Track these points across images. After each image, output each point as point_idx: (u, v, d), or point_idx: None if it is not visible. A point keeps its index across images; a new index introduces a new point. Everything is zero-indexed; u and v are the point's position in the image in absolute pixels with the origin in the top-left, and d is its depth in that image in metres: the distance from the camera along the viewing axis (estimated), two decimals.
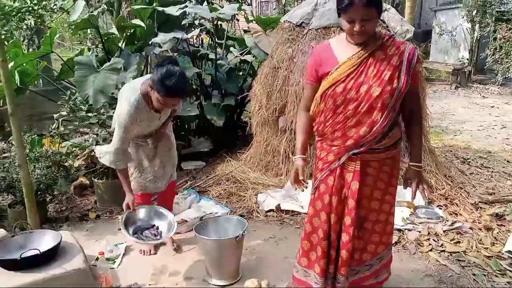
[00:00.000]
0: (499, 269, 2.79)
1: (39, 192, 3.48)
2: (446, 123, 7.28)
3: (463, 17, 11.44)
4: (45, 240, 2.54)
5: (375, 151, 2.00)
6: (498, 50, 10.36)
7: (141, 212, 2.77)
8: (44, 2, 5.48)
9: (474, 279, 2.68)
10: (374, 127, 1.92)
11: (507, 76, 10.27)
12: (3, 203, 3.78)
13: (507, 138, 6.13)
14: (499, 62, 10.35)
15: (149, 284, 2.61)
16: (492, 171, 4.62)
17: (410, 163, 2.09)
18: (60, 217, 3.69)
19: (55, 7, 5.51)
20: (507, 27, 10.30)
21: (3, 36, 3.14)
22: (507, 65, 10.06)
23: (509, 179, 4.39)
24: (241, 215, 3.40)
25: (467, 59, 12.07)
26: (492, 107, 8.70)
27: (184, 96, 2.60)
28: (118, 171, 2.72)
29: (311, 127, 2.17)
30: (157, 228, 2.71)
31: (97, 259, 2.84)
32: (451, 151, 5.32)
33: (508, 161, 4.99)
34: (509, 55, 10.10)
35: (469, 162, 4.89)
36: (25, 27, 5.64)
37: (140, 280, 2.64)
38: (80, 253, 2.57)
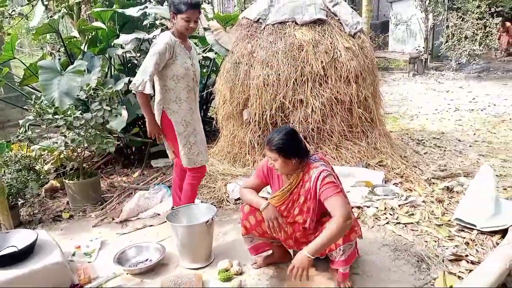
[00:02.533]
0: (448, 235, 3.07)
1: (10, 197, 3.53)
2: (404, 109, 7.63)
3: (416, 7, 11.90)
4: (21, 239, 2.63)
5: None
6: (450, 38, 10.87)
7: (132, 251, 2.93)
8: (1, 9, 5.48)
9: (426, 245, 2.94)
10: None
11: (460, 61, 10.80)
12: None
13: (459, 119, 6.52)
14: (452, 49, 10.86)
15: (126, 273, 2.73)
16: (445, 150, 4.95)
17: (305, 248, 2.24)
18: (33, 219, 3.75)
19: (13, 13, 5.52)
20: (457, 15, 10.81)
21: None
22: (460, 51, 10.57)
23: (460, 156, 4.74)
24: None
25: (423, 47, 12.57)
26: (447, 91, 9.14)
27: (200, 10, 2.95)
28: (141, 96, 2.89)
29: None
30: (150, 260, 2.86)
31: (74, 254, 2.95)
32: (407, 134, 5.65)
33: (459, 140, 5.35)
34: (461, 41, 10.62)
35: (424, 143, 5.22)
36: None
37: (118, 271, 2.76)
38: (57, 249, 2.68)
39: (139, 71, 2.88)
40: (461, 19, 10.71)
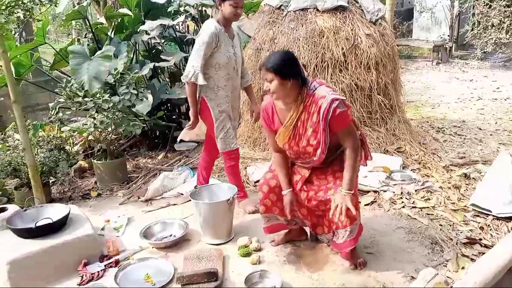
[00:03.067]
0: (464, 220, 3.13)
1: (42, 175, 3.73)
2: (426, 97, 7.58)
3: None
4: (55, 212, 2.82)
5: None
6: (476, 26, 10.66)
7: (157, 227, 3.11)
8: None
9: (440, 229, 3.01)
10: (316, 162, 2.47)
11: (485, 50, 10.59)
12: (10, 186, 4.03)
13: (482, 108, 6.46)
14: (477, 37, 10.66)
15: (152, 247, 2.90)
16: (465, 138, 4.96)
17: (341, 188, 2.37)
18: (64, 197, 3.96)
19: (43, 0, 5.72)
20: (484, 3, 10.57)
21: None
22: (485, 40, 10.37)
23: (480, 144, 4.74)
24: None
25: (448, 36, 12.35)
26: (471, 80, 9.01)
27: None
28: (191, 86, 3.06)
29: (287, 161, 2.63)
30: (174, 235, 3.02)
31: (103, 228, 3.13)
32: (427, 122, 5.65)
33: (480, 129, 5.33)
34: (487, 29, 10.41)
35: (444, 131, 5.22)
36: (15, 20, 5.85)
37: (144, 244, 2.93)
38: (88, 222, 2.86)
39: (189, 62, 3.02)
40: (488, 6, 10.48)
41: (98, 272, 2.62)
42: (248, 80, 3.45)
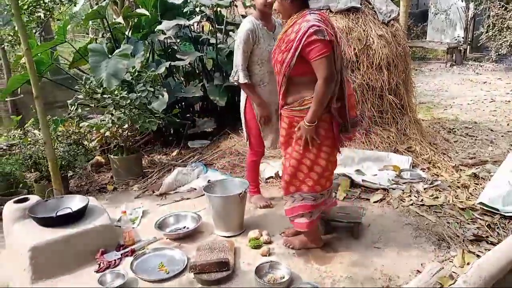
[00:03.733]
0: (471, 218, 3.18)
1: (61, 169, 3.87)
2: (438, 99, 7.58)
3: None
4: (74, 202, 2.96)
5: (286, 109, 2.59)
6: (491, 28, 10.59)
7: (171, 219, 3.23)
8: None
9: (448, 226, 3.07)
10: (279, 90, 2.60)
11: (500, 52, 10.52)
12: (30, 179, 4.18)
13: (494, 110, 6.45)
14: (492, 39, 10.59)
15: (166, 238, 3.01)
16: (476, 139, 4.98)
17: (302, 121, 2.46)
18: (81, 190, 4.10)
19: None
20: (499, 4, 10.51)
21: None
22: (500, 42, 10.30)
23: (491, 146, 4.76)
24: None
25: (463, 38, 12.29)
26: (484, 82, 8.98)
27: None
28: (243, 86, 3.10)
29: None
30: (187, 227, 3.13)
31: (119, 220, 3.25)
32: (439, 123, 5.67)
33: (491, 130, 5.35)
34: (502, 32, 10.34)
35: (455, 131, 5.25)
36: (36, 19, 6.04)
37: (158, 235, 3.04)
38: (105, 213, 2.99)
39: (233, 63, 3.09)
40: (503, 8, 10.41)
41: (115, 260, 2.74)
42: None
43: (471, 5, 11.68)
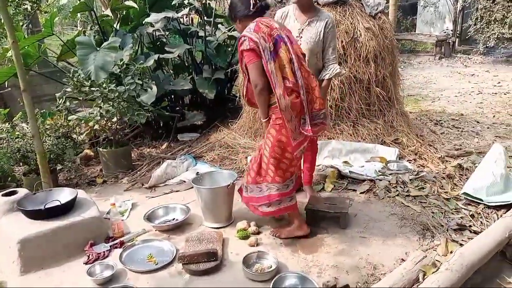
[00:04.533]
0: (455, 208, 3.25)
1: (50, 162, 3.87)
2: (426, 92, 7.67)
3: None
4: (63, 195, 2.97)
5: None
6: (479, 20, 10.69)
7: (160, 211, 3.26)
8: None
9: (432, 216, 3.13)
10: None
11: (488, 45, 10.64)
12: (18, 173, 4.17)
13: (481, 102, 6.55)
14: (480, 32, 10.70)
15: (155, 230, 3.04)
16: (462, 131, 5.06)
17: None
18: (70, 184, 4.09)
19: None
20: None
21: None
22: (488, 35, 10.41)
23: (476, 137, 4.84)
24: None
25: (451, 30, 12.39)
26: (472, 75, 9.08)
27: None
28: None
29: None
30: (176, 219, 3.16)
31: (108, 212, 3.27)
32: (426, 115, 5.75)
33: (478, 122, 5.43)
34: (490, 24, 10.44)
35: (442, 123, 5.33)
36: (22, 12, 5.98)
37: (147, 227, 3.07)
38: (94, 205, 3.00)
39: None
40: (491, 1, 10.51)
41: (104, 252, 2.76)
42: (325, 74, 3.07)
43: None
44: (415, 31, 13.70)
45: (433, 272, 2.38)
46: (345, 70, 3.03)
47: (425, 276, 2.37)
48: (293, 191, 2.79)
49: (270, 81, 2.52)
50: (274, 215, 2.91)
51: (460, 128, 5.18)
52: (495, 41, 10.32)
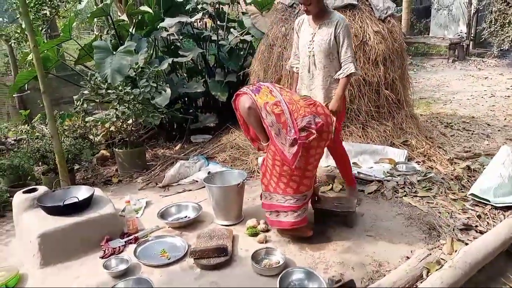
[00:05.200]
0: (462, 208, 3.29)
1: (68, 162, 4.01)
2: (438, 95, 7.68)
3: None
4: (81, 193, 3.10)
5: None
6: (493, 23, 10.64)
7: (173, 209, 3.38)
8: None
9: (439, 216, 3.18)
10: None
11: (502, 48, 10.57)
12: (37, 172, 4.33)
13: (493, 105, 6.54)
14: (494, 35, 10.64)
15: (168, 226, 3.15)
16: (472, 133, 5.08)
17: None
18: (87, 183, 4.23)
19: None
20: (502, 0, 10.55)
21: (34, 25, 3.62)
22: (502, 37, 10.35)
23: (487, 140, 4.86)
24: None
25: (465, 33, 12.33)
26: (486, 78, 9.05)
27: None
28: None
29: None
30: (189, 217, 3.27)
31: (123, 210, 3.39)
32: (437, 117, 5.78)
33: (488, 124, 5.44)
34: (504, 27, 10.38)
35: (452, 126, 5.35)
36: (42, 17, 6.19)
37: (161, 224, 3.18)
38: (110, 203, 3.13)
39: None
40: (506, 3, 10.45)
41: (119, 247, 2.88)
42: (339, 73, 3.13)
43: (474, 0, 11.71)
44: (429, 34, 13.67)
45: (436, 270, 2.44)
46: (360, 71, 3.06)
47: (429, 273, 2.43)
48: (301, 207, 2.83)
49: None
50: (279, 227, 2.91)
51: (471, 130, 5.19)
52: (510, 43, 10.25)
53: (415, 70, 10.40)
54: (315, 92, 3.23)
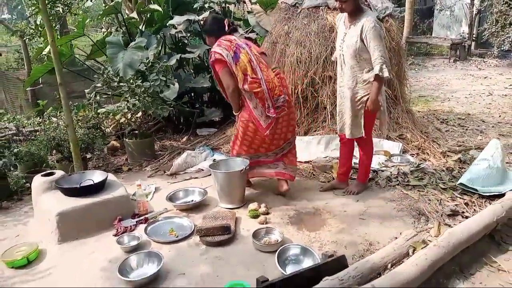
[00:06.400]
0: (451, 197, 3.50)
1: (80, 151, 4.26)
2: (438, 93, 7.87)
3: None
4: (95, 176, 3.34)
5: None
6: (494, 24, 10.81)
7: (181, 194, 3.63)
8: None
9: (428, 203, 3.39)
10: None
11: (502, 48, 10.74)
12: (51, 160, 4.59)
13: (489, 103, 6.74)
14: (495, 36, 10.81)
15: (176, 209, 3.39)
16: (467, 129, 5.29)
17: None
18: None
19: None
20: (503, 1, 10.71)
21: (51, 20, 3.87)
22: (502, 38, 10.52)
23: (480, 135, 5.07)
24: None
25: (467, 34, 12.50)
26: (485, 77, 9.23)
27: None
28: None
29: None
30: (195, 200, 3.52)
31: (134, 194, 3.64)
32: (434, 114, 5.99)
33: (483, 121, 5.64)
34: (505, 28, 10.55)
35: (447, 122, 5.56)
36: (55, 14, 6.45)
37: (169, 207, 3.42)
38: (122, 186, 3.37)
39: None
40: (507, 5, 10.61)
41: (130, 226, 3.12)
42: (370, 76, 3.18)
43: (476, 1, 11.88)
44: (431, 35, 13.84)
45: (422, 248, 2.66)
46: (389, 74, 3.07)
47: (415, 251, 2.65)
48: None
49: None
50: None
51: (465, 126, 5.40)
52: (510, 44, 10.42)
53: (416, 69, 10.59)
54: (343, 90, 3.37)
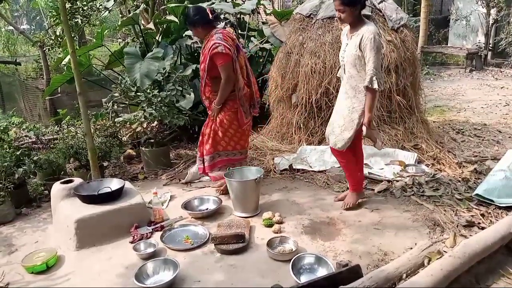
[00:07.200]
0: (467, 207, 3.47)
1: (98, 159, 4.34)
2: (453, 103, 7.80)
3: (477, 2, 11.77)
4: (113, 184, 3.41)
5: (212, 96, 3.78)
6: (510, 34, 10.71)
7: (196, 202, 3.69)
8: (90, 3, 6.42)
9: (444, 214, 3.37)
10: (203, 85, 3.78)
11: None
12: (70, 168, 4.68)
13: (506, 114, 6.65)
14: (511, 45, 10.70)
15: (191, 217, 3.43)
16: (483, 139, 5.23)
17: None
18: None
19: (100, 7, 6.44)
20: None
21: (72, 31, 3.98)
22: None
23: (496, 145, 5.01)
24: None
25: (484, 43, 12.39)
26: (502, 87, 9.12)
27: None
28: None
29: None
30: (210, 209, 3.56)
31: (150, 202, 3.68)
32: (449, 124, 5.94)
33: (499, 131, 5.58)
34: None
35: (463, 132, 5.51)
36: (74, 25, 6.61)
37: (184, 215, 3.47)
38: (139, 194, 3.43)
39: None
40: None
41: (147, 234, 3.17)
42: (366, 81, 3.11)
43: (492, 11, 11.79)
44: (447, 44, 13.75)
45: (437, 259, 2.65)
46: (378, 85, 3.05)
47: (430, 262, 2.64)
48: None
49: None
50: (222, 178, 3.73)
51: (482, 137, 5.35)
52: None
53: (432, 79, 10.53)
54: (341, 99, 3.37)
